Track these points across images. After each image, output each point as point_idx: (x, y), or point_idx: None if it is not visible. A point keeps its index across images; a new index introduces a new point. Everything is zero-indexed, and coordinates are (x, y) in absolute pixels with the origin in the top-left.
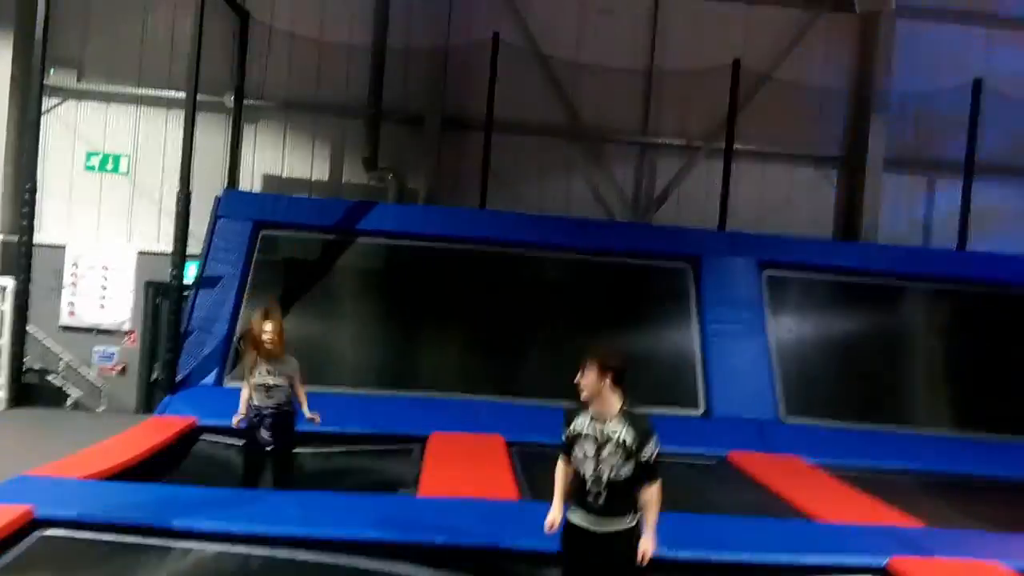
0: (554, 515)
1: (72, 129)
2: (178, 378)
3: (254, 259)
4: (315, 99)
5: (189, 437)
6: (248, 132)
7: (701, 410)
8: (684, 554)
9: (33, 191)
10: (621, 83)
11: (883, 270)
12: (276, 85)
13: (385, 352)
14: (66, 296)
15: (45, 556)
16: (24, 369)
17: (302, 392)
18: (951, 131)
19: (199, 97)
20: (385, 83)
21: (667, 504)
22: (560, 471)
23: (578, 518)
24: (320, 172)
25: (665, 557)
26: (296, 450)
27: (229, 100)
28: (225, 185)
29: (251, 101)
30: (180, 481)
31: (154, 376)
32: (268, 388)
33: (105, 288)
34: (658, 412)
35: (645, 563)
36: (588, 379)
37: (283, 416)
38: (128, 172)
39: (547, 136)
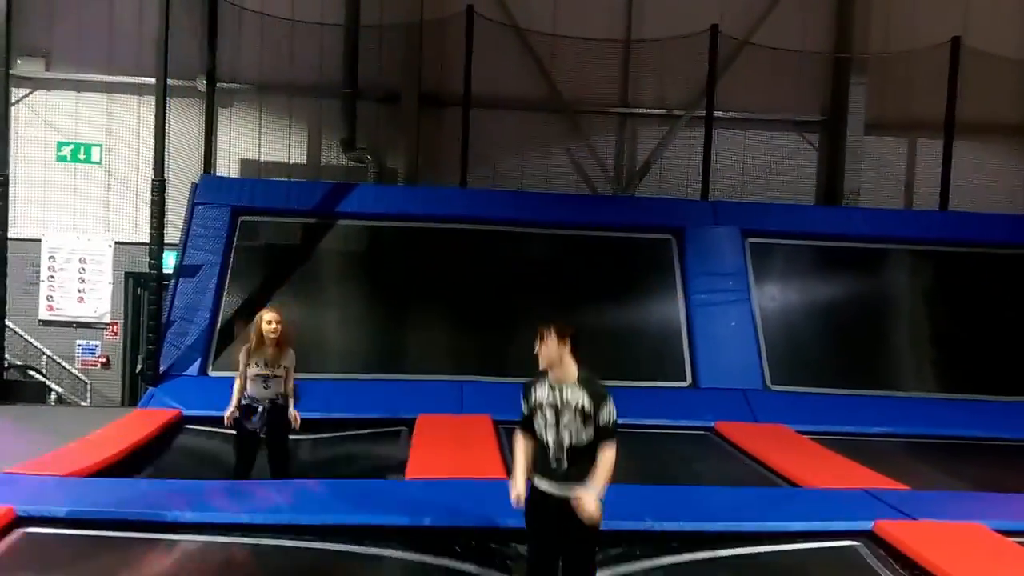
0: (519, 489)
1: (43, 119)
2: (161, 369)
3: (234, 245)
4: (289, 80)
5: (174, 429)
6: (223, 116)
7: (688, 381)
8: (671, 525)
9: (5, 184)
10: (599, 53)
11: (866, 234)
12: (249, 67)
13: (370, 336)
14: (44, 290)
15: (27, 554)
16: (6, 365)
17: (291, 385)
18: (931, 91)
19: (171, 82)
20: (360, 61)
21: (656, 476)
22: (520, 445)
23: (542, 484)
24: (298, 154)
25: (653, 528)
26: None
27: (201, 84)
28: (201, 171)
29: (224, 84)
30: (165, 474)
31: (138, 368)
32: (265, 379)
33: (83, 280)
34: (645, 385)
35: (585, 516)
36: (549, 346)
37: (277, 409)
38: (101, 161)
39: (526, 110)
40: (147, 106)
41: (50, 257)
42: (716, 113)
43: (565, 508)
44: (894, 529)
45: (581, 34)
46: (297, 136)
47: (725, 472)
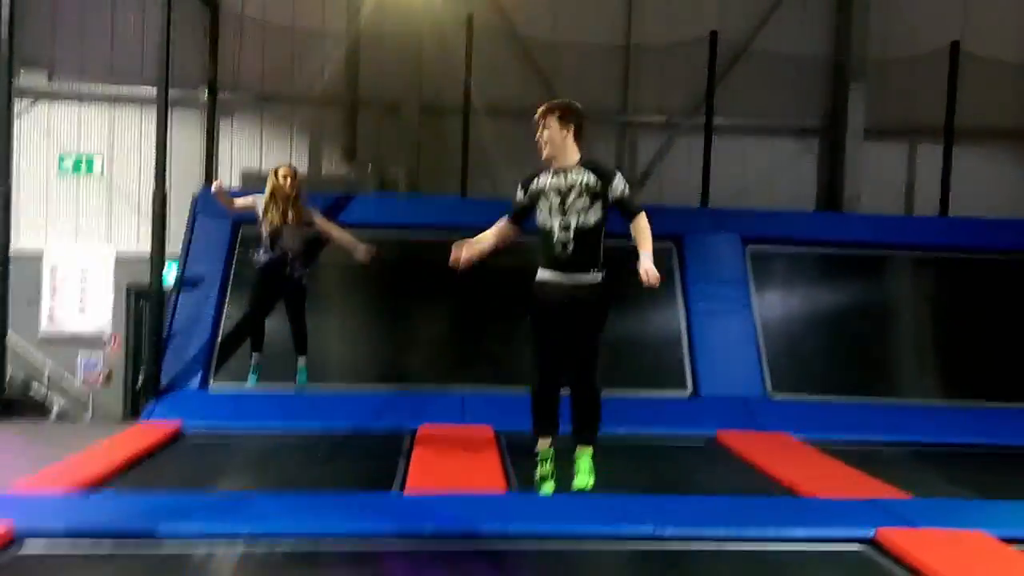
0: (468, 249)
1: (45, 131)
2: (162, 383)
3: (235, 257)
4: (291, 90)
5: (174, 443)
6: (224, 126)
7: (689, 391)
8: (671, 532)
9: (7, 197)
10: (599, 61)
11: (867, 240)
12: (250, 77)
13: (371, 346)
14: (45, 304)
15: (26, 570)
16: (7, 381)
17: (337, 230)
18: (930, 97)
19: (172, 93)
20: (361, 71)
21: (657, 485)
22: (498, 225)
23: (546, 274)
24: (299, 165)
25: (651, 536)
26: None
27: (203, 94)
28: (203, 182)
29: (225, 94)
30: (165, 487)
31: (139, 382)
32: (278, 231)
33: (85, 293)
34: (646, 395)
35: (651, 282)
36: (550, 132)
37: (285, 265)
38: (103, 173)
39: (527, 119)
40: (149, 117)
41: (52, 270)
42: (716, 120)
43: (571, 297)
44: (896, 537)
45: (581, 41)
46: (298, 146)
47: (727, 481)
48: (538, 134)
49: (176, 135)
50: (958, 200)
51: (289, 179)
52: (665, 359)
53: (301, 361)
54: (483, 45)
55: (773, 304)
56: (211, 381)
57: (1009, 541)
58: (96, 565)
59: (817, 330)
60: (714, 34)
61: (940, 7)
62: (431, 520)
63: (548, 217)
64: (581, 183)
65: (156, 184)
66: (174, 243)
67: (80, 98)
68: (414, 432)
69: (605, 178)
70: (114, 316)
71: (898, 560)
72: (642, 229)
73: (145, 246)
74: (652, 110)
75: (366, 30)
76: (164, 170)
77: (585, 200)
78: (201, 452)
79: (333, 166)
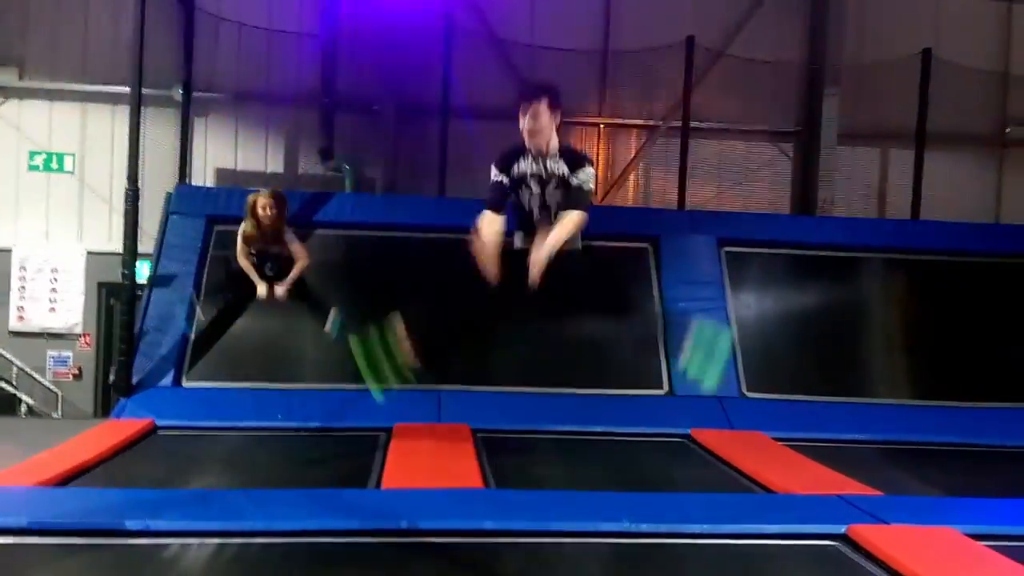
0: (493, 271)
1: (16, 129)
2: (134, 380)
3: (209, 256)
4: (267, 89)
5: (146, 440)
6: (199, 125)
7: (664, 390)
8: (645, 528)
9: None
10: (577, 64)
11: (840, 243)
12: (226, 76)
13: (346, 345)
14: (14, 300)
15: None
16: None
17: (301, 252)
18: (902, 102)
19: (146, 91)
20: (338, 71)
21: (631, 483)
22: (490, 222)
23: (520, 241)
24: (275, 164)
25: (627, 531)
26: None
27: (177, 93)
28: (176, 181)
29: (200, 93)
30: (136, 484)
31: (110, 379)
32: (265, 263)
33: (55, 291)
34: (623, 393)
35: (533, 275)
36: (542, 119)
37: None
38: (74, 171)
39: (505, 121)
40: (122, 115)
41: (21, 267)
42: (692, 123)
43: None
44: (867, 533)
45: (559, 44)
46: (274, 146)
47: (701, 479)
48: (526, 122)
49: (150, 134)
50: (929, 204)
51: (271, 209)
52: (642, 358)
53: (332, 312)
54: (461, 46)
55: (748, 305)
56: (184, 379)
57: (977, 537)
58: (61, 558)
59: (791, 331)
60: (691, 39)
61: (913, 14)
62: (407, 516)
63: (527, 200)
64: (561, 174)
65: (129, 181)
66: (147, 243)
67: (51, 96)
68: (390, 430)
69: (574, 168)
70: (85, 313)
71: (869, 556)
72: (568, 219)
73: (117, 244)
74: (630, 113)
75: (343, 29)
76: (137, 167)
77: (562, 191)
78: (174, 449)
79: (309, 166)
